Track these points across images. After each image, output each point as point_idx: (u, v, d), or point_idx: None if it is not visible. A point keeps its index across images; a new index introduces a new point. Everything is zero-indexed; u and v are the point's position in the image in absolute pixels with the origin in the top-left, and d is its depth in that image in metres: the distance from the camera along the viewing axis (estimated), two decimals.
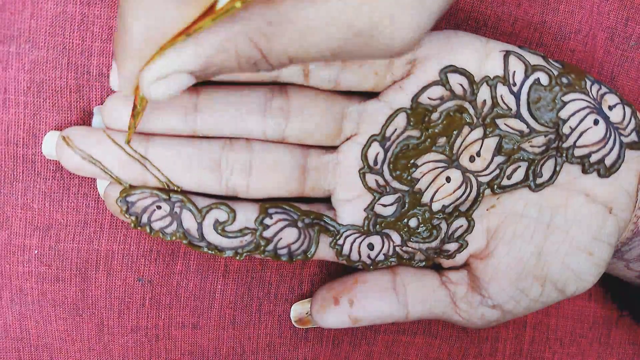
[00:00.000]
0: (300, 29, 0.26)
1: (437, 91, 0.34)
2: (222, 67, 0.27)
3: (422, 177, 0.35)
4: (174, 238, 0.33)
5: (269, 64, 0.27)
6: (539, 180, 0.35)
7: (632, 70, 0.40)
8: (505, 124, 0.34)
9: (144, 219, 0.33)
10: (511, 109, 0.34)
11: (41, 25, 0.33)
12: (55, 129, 0.34)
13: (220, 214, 0.34)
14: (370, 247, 0.36)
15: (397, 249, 0.36)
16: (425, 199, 0.35)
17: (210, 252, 0.34)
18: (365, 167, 0.34)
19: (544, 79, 0.34)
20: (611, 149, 0.35)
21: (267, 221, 0.34)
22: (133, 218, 0.33)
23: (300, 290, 0.40)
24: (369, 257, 0.36)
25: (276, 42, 0.26)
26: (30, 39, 0.33)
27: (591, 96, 0.35)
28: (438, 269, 0.38)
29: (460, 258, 0.37)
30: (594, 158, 0.35)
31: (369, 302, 0.36)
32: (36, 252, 0.36)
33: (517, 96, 0.34)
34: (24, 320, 0.36)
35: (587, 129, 0.35)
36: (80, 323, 0.37)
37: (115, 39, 0.27)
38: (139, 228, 0.33)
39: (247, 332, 0.39)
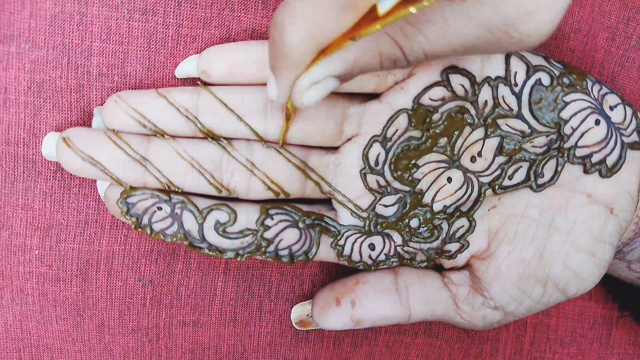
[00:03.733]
0: (438, 28, 0.27)
1: (439, 92, 0.34)
2: (365, 67, 0.28)
3: (423, 177, 0.35)
4: (174, 239, 0.33)
5: (407, 61, 0.28)
6: (540, 181, 0.35)
7: (633, 70, 0.40)
8: (506, 124, 0.34)
9: (145, 220, 0.33)
10: (512, 110, 0.34)
11: (40, 25, 0.33)
12: (55, 129, 0.34)
13: (221, 215, 0.33)
14: (372, 247, 0.35)
15: (399, 249, 0.36)
16: (427, 199, 0.35)
17: (211, 253, 0.34)
18: (367, 167, 0.34)
19: (546, 80, 0.34)
20: (612, 149, 0.35)
21: (268, 222, 0.34)
22: (134, 219, 0.33)
23: (301, 289, 0.40)
24: (370, 257, 0.36)
25: (415, 41, 0.27)
26: (30, 39, 0.33)
27: (592, 96, 0.35)
28: (439, 269, 0.38)
29: (461, 258, 0.37)
30: (595, 158, 0.35)
31: (371, 303, 0.36)
32: (37, 252, 0.36)
33: (518, 96, 0.34)
34: (24, 321, 0.36)
35: (589, 129, 0.35)
36: (81, 323, 0.37)
37: (271, 50, 0.27)
38: (139, 229, 0.33)
39: (247, 329, 0.39)
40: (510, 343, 0.44)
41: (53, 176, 0.35)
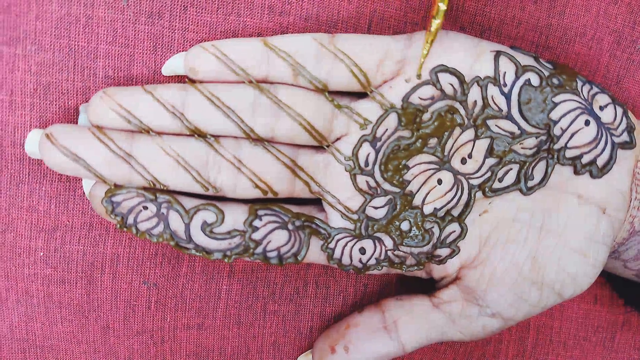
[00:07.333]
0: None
1: (428, 91, 0.34)
2: None
3: (413, 178, 0.35)
4: (160, 240, 0.33)
5: None
6: (530, 183, 0.35)
7: (638, 74, 0.40)
8: (496, 125, 0.34)
9: (130, 219, 0.33)
10: (502, 110, 0.34)
11: (46, 27, 0.33)
12: None
13: (208, 215, 0.33)
14: (362, 251, 0.35)
15: (389, 253, 0.36)
16: (417, 201, 0.35)
17: (198, 254, 0.33)
18: (356, 167, 0.34)
19: (535, 80, 0.34)
20: (603, 150, 0.35)
21: (257, 223, 0.34)
22: (119, 219, 0.32)
23: (304, 290, 0.40)
24: (360, 261, 0.36)
25: None
26: (36, 41, 0.33)
27: (582, 97, 0.34)
28: (429, 290, 0.38)
29: (452, 267, 0.36)
30: (585, 159, 0.35)
31: (363, 345, 0.37)
32: (42, 254, 0.36)
33: (507, 97, 0.34)
34: (29, 322, 0.37)
35: (578, 130, 0.34)
36: (86, 325, 0.37)
37: None
38: (125, 229, 0.33)
39: (252, 331, 0.40)
40: (512, 345, 0.44)
41: (58, 178, 0.35)
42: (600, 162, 0.35)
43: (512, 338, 0.44)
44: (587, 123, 0.34)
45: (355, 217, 0.35)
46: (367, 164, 0.34)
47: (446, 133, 0.34)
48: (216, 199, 0.34)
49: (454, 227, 0.35)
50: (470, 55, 0.34)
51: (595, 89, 0.35)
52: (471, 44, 0.34)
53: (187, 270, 0.38)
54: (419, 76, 0.33)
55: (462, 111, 0.34)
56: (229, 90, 0.33)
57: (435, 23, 0.32)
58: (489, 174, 0.35)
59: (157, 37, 0.34)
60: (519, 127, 0.34)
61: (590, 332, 0.45)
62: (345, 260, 0.35)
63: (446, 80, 0.33)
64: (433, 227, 0.35)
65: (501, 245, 0.35)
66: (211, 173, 0.33)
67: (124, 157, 0.32)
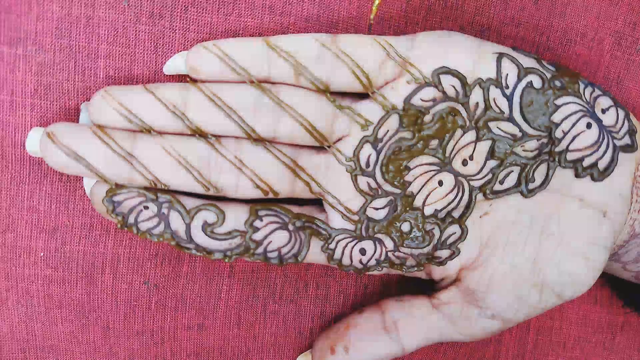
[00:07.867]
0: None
1: (430, 92, 0.33)
2: None
3: (414, 180, 0.34)
4: (161, 239, 0.33)
5: None
6: (531, 186, 0.35)
7: (639, 75, 0.40)
8: (497, 127, 0.34)
9: (131, 219, 0.33)
10: (504, 112, 0.34)
11: (47, 28, 0.33)
12: None
13: (209, 216, 0.33)
14: (362, 252, 0.35)
15: (389, 254, 0.35)
16: (418, 202, 0.35)
17: (198, 254, 0.33)
18: (357, 168, 0.34)
19: (537, 82, 0.34)
20: (604, 153, 0.35)
21: (257, 223, 0.34)
22: (119, 218, 0.32)
23: (305, 291, 0.40)
24: (360, 262, 0.35)
25: None
26: (36, 41, 0.33)
27: (584, 99, 0.34)
28: (429, 291, 0.38)
29: (452, 269, 0.36)
30: (586, 162, 0.35)
31: (363, 346, 0.37)
32: (42, 254, 0.36)
33: (509, 99, 0.34)
34: (30, 322, 0.37)
35: (580, 133, 0.34)
36: (86, 325, 0.37)
37: None
38: (125, 229, 0.33)
39: (252, 331, 0.40)
40: (512, 346, 0.44)
41: (59, 179, 0.35)
42: (602, 165, 0.35)
43: (512, 339, 0.44)
44: (588, 126, 0.34)
45: (355, 218, 0.35)
46: (368, 165, 0.34)
47: (447, 135, 0.34)
48: (217, 199, 0.34)
49: (455, 228, 0.35)
50: (472, 56, 0.34)
51: (597, 92, 0.35)
52: (472, 44, 0.34)
53: (188, 270, 0.38)
54: (370, 26, 0.33)
55: (464, 113, 0.34)
56: (230, 90, 0.33)
57: None
58: (490, 175, 0.35)
59: (158, 37, 0.34)
60: (521, 130, 0.34)
61: (590, 333, 0.45)
62: (346, 260, 0.35)
63: (448, 82, 0.33)
64: (434, 228, 0.35)
65: (501, 247, 0.35)
66: (212, 173, 0.33)
67: (125, 156, 0.32)
